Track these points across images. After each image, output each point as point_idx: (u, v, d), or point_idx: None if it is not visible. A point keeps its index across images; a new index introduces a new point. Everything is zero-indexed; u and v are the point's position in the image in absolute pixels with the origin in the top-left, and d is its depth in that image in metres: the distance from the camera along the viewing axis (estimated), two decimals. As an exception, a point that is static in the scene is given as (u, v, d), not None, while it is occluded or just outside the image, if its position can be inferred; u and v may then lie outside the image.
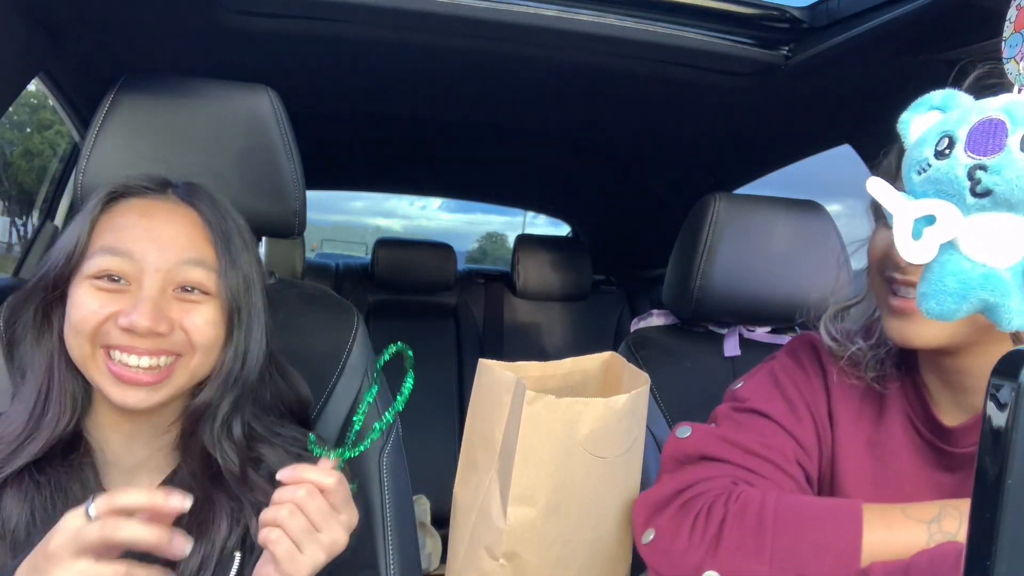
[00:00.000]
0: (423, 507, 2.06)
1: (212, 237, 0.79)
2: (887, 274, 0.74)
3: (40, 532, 0.64)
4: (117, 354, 0.73)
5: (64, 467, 0.76)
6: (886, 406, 0.78)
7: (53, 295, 0.77)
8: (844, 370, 0.79)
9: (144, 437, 0.80)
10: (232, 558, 0.75)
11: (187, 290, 0.77)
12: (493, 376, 0.83)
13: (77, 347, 0.74)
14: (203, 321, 0.76)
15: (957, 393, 0.74)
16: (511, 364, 0.86)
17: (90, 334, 0.73)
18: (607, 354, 0.95)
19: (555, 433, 0.77)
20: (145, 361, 0.74)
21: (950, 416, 0.75)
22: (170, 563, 0.65)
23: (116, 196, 0.79)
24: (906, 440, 0.76)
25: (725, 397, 0.86)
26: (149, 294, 0.74)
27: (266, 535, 0.67)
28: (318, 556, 0.67)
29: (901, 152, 0.64)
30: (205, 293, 0.77)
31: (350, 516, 0.71)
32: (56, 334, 0.78)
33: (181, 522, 0.75)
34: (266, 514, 0.68)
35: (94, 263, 0.75)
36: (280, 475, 0.70)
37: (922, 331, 0.70)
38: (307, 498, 0.67)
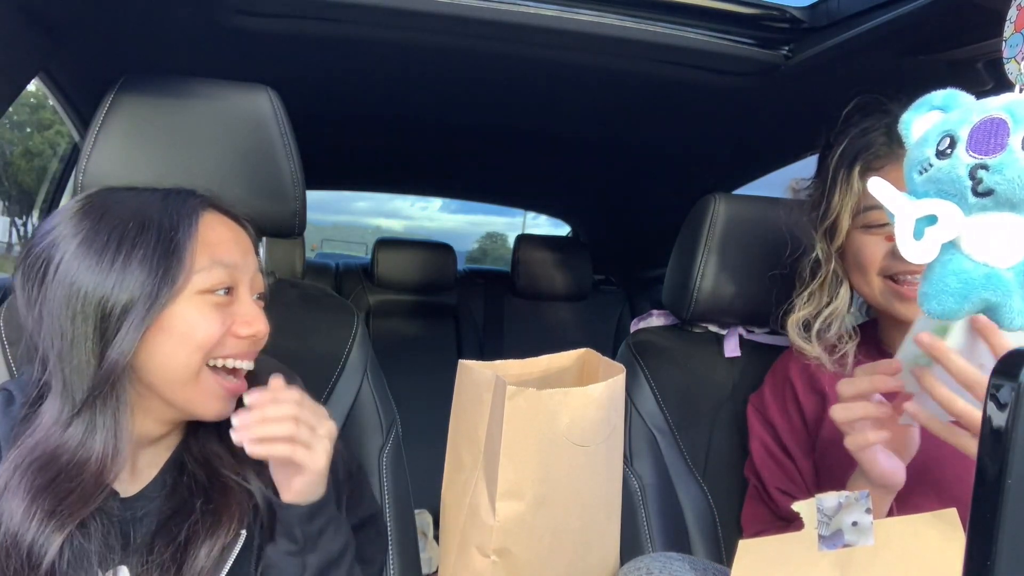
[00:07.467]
0: (426, 520, 2.04)
1: (254, 245, 0.84)
2: (893, 273, 0.92)
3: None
4: (231, 361, 0.77)
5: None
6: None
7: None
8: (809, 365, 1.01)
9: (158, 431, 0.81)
10: (238, 536, 0.76)
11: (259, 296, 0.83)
12: (473, 376, 0.84)
13: (185, 367, 0.74)
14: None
15: None
16: (490, 363, 0.87)
17: (209, 349, 0.74)
18: (582, 350, 0.97)
19: (538, 425, 0.78)
20: (249, 363, 0.79)
21: None
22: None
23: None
24: None
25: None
26: (250, 301, 0.79)
27: (282, 450, 0.72)
28: (327, 446, 0.75)
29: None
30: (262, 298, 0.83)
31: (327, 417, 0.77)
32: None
33: (197, 507, 0.76)
34: (267, 430, 0.71)
35: (208, 277, 0.75)
36: (248, 399, 0.73)
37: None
38: (298, 409, 0.72)
